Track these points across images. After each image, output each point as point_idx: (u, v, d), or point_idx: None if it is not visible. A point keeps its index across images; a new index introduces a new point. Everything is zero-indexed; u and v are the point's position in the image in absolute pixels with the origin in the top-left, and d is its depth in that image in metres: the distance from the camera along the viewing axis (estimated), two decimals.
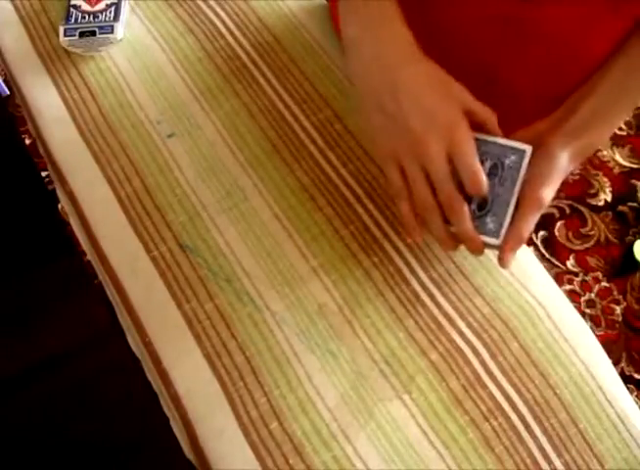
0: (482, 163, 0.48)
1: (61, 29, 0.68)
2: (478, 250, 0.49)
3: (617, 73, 0.52)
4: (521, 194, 0.49)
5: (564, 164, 0.50)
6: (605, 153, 1.66)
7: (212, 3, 0.73)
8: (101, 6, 0.70)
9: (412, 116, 0.47)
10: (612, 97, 0.53)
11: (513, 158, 0.50)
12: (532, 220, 0.49)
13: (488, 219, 0.49)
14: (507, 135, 0.52)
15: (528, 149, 0.50)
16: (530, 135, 0.51)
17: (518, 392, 0.53)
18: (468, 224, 0.48)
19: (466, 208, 0.48)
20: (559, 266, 1.50)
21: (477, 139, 0.49)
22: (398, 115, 0.47)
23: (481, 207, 0.49)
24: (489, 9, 0.51)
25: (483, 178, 0.46)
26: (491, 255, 0.58)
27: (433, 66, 0.49)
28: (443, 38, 0.56)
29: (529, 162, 0.50)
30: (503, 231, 0.49)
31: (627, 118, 1.71)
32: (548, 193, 0.49)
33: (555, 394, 0.53)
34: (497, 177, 0.50)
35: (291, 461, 0.50)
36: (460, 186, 0.47)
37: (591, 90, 0.53)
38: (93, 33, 0.67)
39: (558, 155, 0.50)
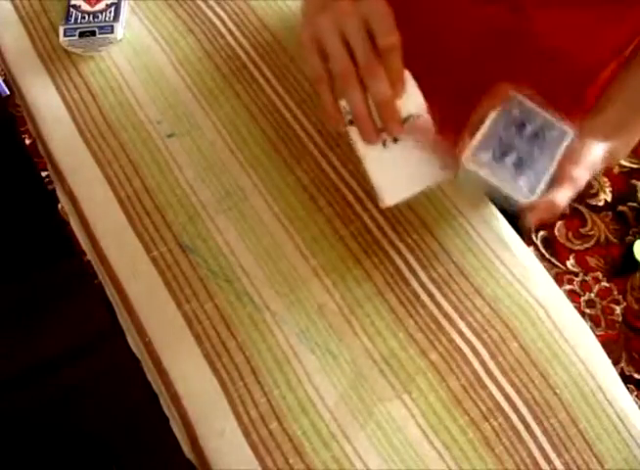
0: (525, 125, 0.49)
1: (61, 29, 0.68)
2: (393, 120, 0.45)
3: (632, 82, 0.52)
4: (557, 171, 0.49)
5: (598, 156, 0.51)
6: None
7: (212, 3, 0.73)
8: (101, 6, 0.70)
9: None
10: (630, 107, 0.53)
11: (555, 134, 0.50)
12: (567, 195, 0.49)
13: (522, 178, 0.49)
14: None
15: (571, 132, 0.50)
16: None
17: (518, 392, 0.53)
18: (385, 88, 0.44)
19: (382, 71, 0.44)
20: (559, 266, 1.50)
21: (525, 105, 0.50)
22: None
23: (519, 164, 0.49)
24: (481, 22, 0.51)
25: (401, 66, 0.44)
26: (491, 255, 0.58)
27: None
28: (435, 50, 0.56)
29: (569, 147, 0.50)
30: (536, 193, 0.48)
31: None
32: (583, 174, 0.50)
33: (555, 394, 0.53)
34: (536, 144, 0.50)
35: (290, 461, 0.50)
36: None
37: (611, 100, 0.53)
38: (93, 33, 0.67)
39: (594, 146, 0.50)
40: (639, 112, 0.54)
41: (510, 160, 0.49)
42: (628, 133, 0.54)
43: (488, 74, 0.55)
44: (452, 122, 0.61)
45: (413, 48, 0.54)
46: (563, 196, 0.49)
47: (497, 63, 0.54)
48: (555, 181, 0.49)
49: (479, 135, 0.49)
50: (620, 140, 0.53)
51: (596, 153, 0.51)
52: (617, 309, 1.45)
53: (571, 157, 0.50)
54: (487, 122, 0.49)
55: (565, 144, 0.50)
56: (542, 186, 0.49)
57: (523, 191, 0.48)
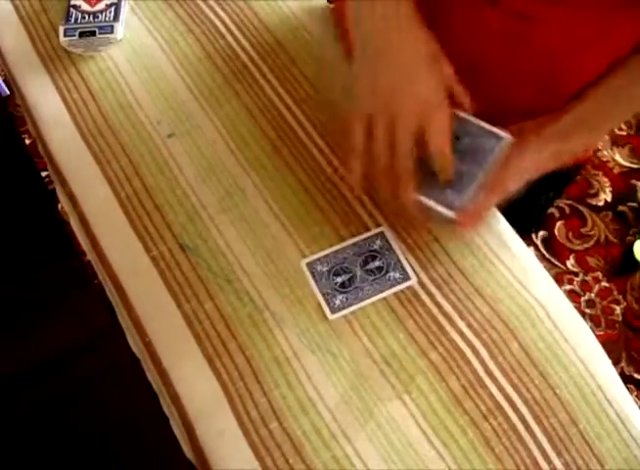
0: (459, 139, 0.50)
1: (61, 29, 0.68)
2: (414, 217, 0.52)
3: (611, 84, 0.52)
4: (490, 177, 0.51)
5: (535, 162, 0.52)
6: (605, 153, 1.66)
7: (212, 3, 0.73)
8: (101, 6, 0.70)
9: (402, 79, 0.47)
10: (600, 107, 0.53)
11: (491, 142, 0.51)
12: (492, 201, 0.52)
13: (449, 192, 0.50)
14: None
15: (507, 138, 0.51)
16: (515, 130, 0.52)
17: (518, 392, 0.53)
18: (410, 197, 0.50)
19: (412, 183, 0.49)
20: (559, 266, 1.50)
21: (459, 116, 0.51)
22: (389, 72, 0.48)
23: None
24: (488, 27, 0.51)
25: (451, 161, 0.49)
26: (491, 255, 0.58)
27: (431, 37, 0.48)
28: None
29: (505, 151, 0.52)
30: (460, 204, 0.50)
31: (621, 123, 1.71)
32: (512, 182, 0.51)
33: (555, 394, 0.53)
34: (469, 156, 0.51)
35: (290, 461, 0.50)
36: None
37: (582, 98, 0.53)
38: (93, 33, 0.67)
39: (532, 152, 0.52)
40: (606, 112, 0.54)
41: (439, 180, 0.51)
42: (589, 132, 0.55)
43: (493, 79, 0.55)
44: None
45: None
46: (487, 203, 0.52)
47: (502, 68, 0.54)
48: (485, 187, 0.51)
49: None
50: (581, 138, 0.54)
51: (533, 161, 0.52)
52: (617, 309, 1.45)
53: (504, 165, 0.51)
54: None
55: (500, 149, 0.51)
56: (466, 198, 0.50)
57: (448, 205, 0.50)
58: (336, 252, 0.57)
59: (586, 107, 0.53)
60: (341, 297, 0.55)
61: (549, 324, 0.56)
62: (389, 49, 0.48)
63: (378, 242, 0.58)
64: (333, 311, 0.55)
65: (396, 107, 0.47)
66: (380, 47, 0.48)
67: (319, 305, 0.56)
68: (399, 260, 0.57)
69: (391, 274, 0.56)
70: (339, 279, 0.56)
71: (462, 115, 0.51)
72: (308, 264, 0.57)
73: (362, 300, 0.55)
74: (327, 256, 0.57)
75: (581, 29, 0.47)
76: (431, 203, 0.51)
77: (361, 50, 0.50)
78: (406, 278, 0.56)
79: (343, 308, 0.55)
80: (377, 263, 0.57)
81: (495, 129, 0.51)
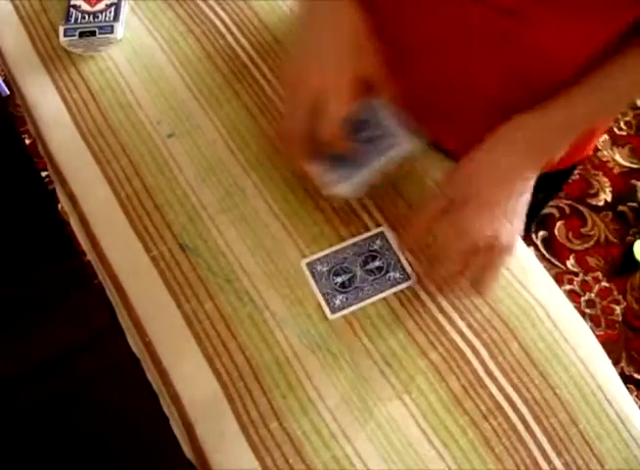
0: (369, 126, 0.53)
1: (61, 29, 0.68)
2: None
3: (588, 82, 0.51)
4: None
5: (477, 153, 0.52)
6: (605, 153, 1.66)
7: (212, 3, 0.73)
8: (101, 6, 0.70)
9: (313, 58, 0.51)
10: (566, 104, 0.51)
11: (393, 140, 0.54)
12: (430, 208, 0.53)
13: (340, 170, 0.52)
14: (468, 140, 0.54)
15: (407, 145, 0.53)
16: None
17: (518, 392, 0.53)
18: (296, 159, 0.54)
19: (297, 148, 0.53)
20: (559, 266, 1.50)
21: (374, 106, 0.53)
22: (307, 50, 0.52)
23: (338, 157, 0.52)
24: (473, 23, 0.50)
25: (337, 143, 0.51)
26: None
27: (359, 28, 0.51)
28: (425, 49, 0.56)
29: (406, 154, 0.54)
30: (342, 185, 0.52)
31: (618, 118, 1.71)
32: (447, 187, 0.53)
33: (555, 394, 0.53)
34: (371, 145, 0.54)
35: (290, 461, 0.50)
36: None
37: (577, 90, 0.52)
38: (93, 33, 0.67)
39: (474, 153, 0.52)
40: (593, 99, 0.52)
41: (333, 157, 0.52)
42: (570, 129, 0.53)
43: (473, 74, 0.55)
44: (441, 120, 0.61)
45: (403, 46, 0.54)
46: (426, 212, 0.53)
47: (487, 63, 0.54)
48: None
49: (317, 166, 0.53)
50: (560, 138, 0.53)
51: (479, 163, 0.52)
52: (617, 309, 1.45)
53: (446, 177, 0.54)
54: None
55: (393, 152, 0.54)
56: (350, 183, 0.52)
57: (333, 180, 0.52)
58: (336, 252, 0.57)
59: (570, 96, 0.51)
60: (341, 297, 0.55)
61: (549, 324, 0.56)
62: (312, 30, 0.52)
63: (378, 242, 0.58)
64: (333, 311, 0.55)
65: (302, 80, 0.51)
66: (306, 25, 0.53)
67: (319, 305, 0.56)
68: (399, 261, 0.57)
69: (391, 274, 0.56)
70: (339, 279, 0.56)
71: (376, 104, 0.53)
72: (308, 264, 0.57)
73: (362, 300, 0.55)
74: (327, 256, 0.57)
75: (566, 28, 0.47)
76: (317, 171, 0.54)
77: (298, 23, 0.56)
78: (406, 278, 0.57)
79: (343, 308, 0.55)
80: (377, 263, 0.57)
81: (402, 131, 0.54)
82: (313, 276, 0.57)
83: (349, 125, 0.52)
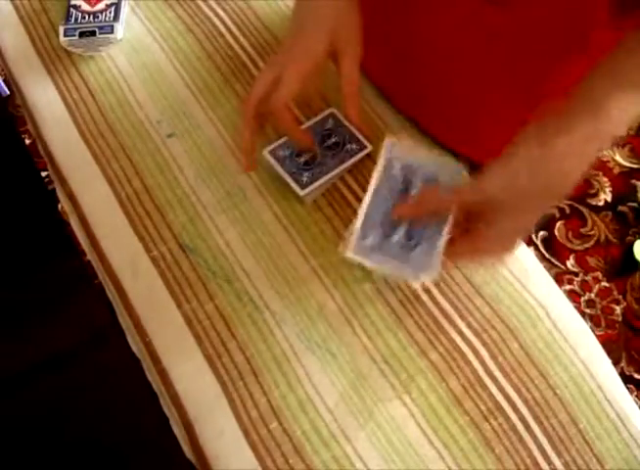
0: (407, 189, 0.49)
1: (61, 29, 0.68)
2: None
3: (594, 84, 0.44)
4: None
5: (520, 159, 0.43)
6: (605, 153, 1.66)
7: (212, 3, 0.73)
8: (101, 6, 0.70)
9: (284, 52, 0.52)
10: (582, 110, 0.43)
11: (358, 147, 0.56)
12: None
13: (418, 251, 0.47)
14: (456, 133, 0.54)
15: (462, 170, 0.49)
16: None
17: (518, 392, 0.53)
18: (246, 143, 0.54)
19: (248, 129, 0.53)
20: (559, 266, 1.50)
21: (405, 159, 0.50)
22: (287, 41, 0.53)
23: (410, 236, 0.48)
24: (462, 13, 0.50)
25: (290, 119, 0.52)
26: None
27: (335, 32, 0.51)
28: (417, 41, 0.56)
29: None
30: (436, 264, 0.46)
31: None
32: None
33: (555, 394, 0.53)
34: (334, 152, 0.55)
35: (290, 461, 0.50)
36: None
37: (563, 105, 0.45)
38: (93, 33, 0.67)
39: (511, 157, 0.44)
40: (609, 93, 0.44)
41: (397, 236, 0.48)
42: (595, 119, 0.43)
43: (469, 67, 0.55)
44: (432, 111, 0.61)
45: (396, 39, 0.54)
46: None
47: (477, 55, 0.53)
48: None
49: (358, 222, 0.48)
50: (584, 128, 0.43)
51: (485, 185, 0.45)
52: (617, 309, 1.45)
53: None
54: (366, 201, 0.48)
55: (355, 158, 0.54)
56: (311, 186, 0.52)
57: (415, 272, 0.47)
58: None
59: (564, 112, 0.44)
60: (307, 174, 0.58)
61: (549, 324, 0.56)
62: (297, 14, 0.53)
63: (330, 121, 0.60)
64: (302, 187, 0.58)
65: (273, 58, 0.53)
66: (294, 18, 0.53)
67: (290, 187, 0.57)
68: (353, 134, 0.59)
69: (348, 146, 0.59)
70: (301, 159, 0.58)
71: (339, 114, 0.55)
72: (271, 152, 0.59)
73: (326, 173, 0.58)
74: (286, 142, 0.59)
75: (554, 23, 0.46)
76: (278, 168, 0.56)
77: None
78: (363, 147, 0.59)
79: (311, 183, 0.58)
80: (333, 140, 0.59)
81: (363, 140, 0.54)
82: (277, 161, 0.58)
83: (314, 135, 0.58)
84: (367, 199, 0.49)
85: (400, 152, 0.50)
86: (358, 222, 0.48)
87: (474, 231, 0.46)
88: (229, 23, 0.72)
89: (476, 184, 0.44)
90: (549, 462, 0.51)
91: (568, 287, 1.47)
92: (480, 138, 0.59)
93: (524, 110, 0.50)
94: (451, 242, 0.48)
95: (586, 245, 1.54)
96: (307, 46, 0.50)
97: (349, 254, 0.47)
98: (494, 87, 0.55)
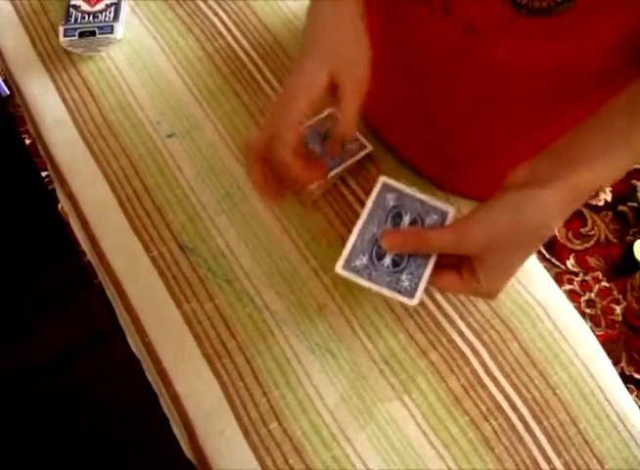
0: (401, 216, 0.48)
1: (61, 30, 0.68)
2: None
3: (612, 112, 0.43)
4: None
5: (503, 209, 0.43)
6: None
7: (212, 3, 0.73)
8: (101, 6, 0.70)
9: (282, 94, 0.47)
10: (597, 136, 0.43)
11: (435, 217, 0.48)
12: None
13: (404, 277, 0.47)
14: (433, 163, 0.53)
15: (451, 211, 0.48)
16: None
17: (517, 392, 0.53)
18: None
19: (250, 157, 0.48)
20: (559, 266, 1.50)
21: (400, 192, 0.49)
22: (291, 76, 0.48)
23: (396, 263, 0.47)
24: (440, 39, 0.49)
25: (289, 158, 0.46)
26: None
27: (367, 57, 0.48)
28: (406, 64, 0.56)
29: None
30: (419, 292, 0.46)
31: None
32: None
33: (555, 394, 0.53)
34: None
35: (290, 461, 0.50)
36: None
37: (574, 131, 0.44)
38: (93, 33, 0.67)
39: (493, 207, 0.43)
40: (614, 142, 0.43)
41: (387, 260, 0.47)
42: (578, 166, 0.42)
43: (439, 90, 0.55)
44: (417, 134, 0.61)
45: (378, 60, 0.53)
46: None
47: (455, 80, 0.53)
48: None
49: (351, 239, 0.47)
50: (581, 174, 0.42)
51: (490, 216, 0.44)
52: (617, 309, 1.45)
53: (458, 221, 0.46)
54: (359, 222, 0.47)
55: (354, 158, 0.53)
56: (422, 286, 0.46)
57: (406, 294, 0.46)
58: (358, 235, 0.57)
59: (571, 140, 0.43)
60: (404, 276, 0.54)
61: (549, 324, 0.56)
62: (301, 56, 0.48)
63: (330, 122, 0.59)
64: (410, 301, 0.54)
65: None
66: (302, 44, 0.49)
67: (318, 304, 0.56)
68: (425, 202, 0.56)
69: (348, 146, 0.59)
70: (386, 261, 0.55)
71: (402, 188, 0.49)
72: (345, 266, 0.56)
73: (425, 262, 0.52)
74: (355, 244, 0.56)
75: (530, 48, 0.45)
76: (384, 291, 0.48)
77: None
78: (363, 147, 0.60)
79: (416, 288, 0.54)
80: (406, 219, 0.56)
81: (437, 202, 0.49)
82: (361, 275, 0.56)
83: (314, 135, 0.56)
84: (360, 221, 0.48)
85: (394, 187, 0.49)
86: (350, 241, 0.48)
87: (464, 270, 0.45)
88: (229, 23, 0.72)
89: (458, 240, 0.43)
90: (549, 462, 0.51)
91: (568, 287, 1.47)
92: (489, 184, 0.59)
93: (523, 149, 0.49)
94: (439, 273, 0.46)
95: (586, 245, 1.54)
96: (304, 85, 0.46)
97: (338, 269, 0.47)
98: (502, 135, 0.55)
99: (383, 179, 0.49)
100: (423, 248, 0.46)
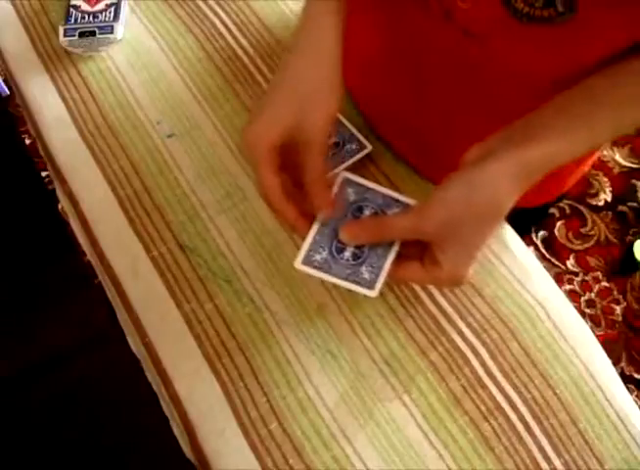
0: (362, 210, 0.48)
1: (61, 30, 0.68)
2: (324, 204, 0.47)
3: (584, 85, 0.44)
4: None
5: (454, 189, 0.43)
6: (605, 153, 1.66)
7: (212, 3, 0.73)
8: (101, 6, 0.70)
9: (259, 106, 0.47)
10: (558, 113, 0.43)
11: (396, 210, 0.48)
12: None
13: (364, 269, 0.46)
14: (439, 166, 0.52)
15: (412, 203, 0.48)
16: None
17: (517, 392, 0.53)
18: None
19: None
20: (559, 266, 1.51)
21: (361, 186, 0.49)
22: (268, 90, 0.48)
23: (356, 256, 0.47)
24: (440, 42, 0.49)
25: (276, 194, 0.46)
26: (491, 255, 0.58)
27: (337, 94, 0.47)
28: (411, 66, 0.56)
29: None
30: (379, 283, 0.46)
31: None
32: (416, 223, 0.44)
33: (555, 394, 0.53)
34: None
35: (290, 461, 0.50)
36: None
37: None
38: (93, 33, 0.67)
39: (448, 185, 0.43)
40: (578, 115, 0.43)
41: (347, 253, 0.47)
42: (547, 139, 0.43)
43: (438, 96, 0.55)
44: (430, 156, 0.61)
45: (379, 62, 0.53)
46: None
47: (448, 86, 0.53)
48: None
49: (310, 234, 0.47)
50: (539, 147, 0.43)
51: (450, 194, 0.44)
52: (617, 309, 1.46)
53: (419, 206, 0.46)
54: (318, 217, 0.47)
55: (355, 157, 0.52)
56: (382, 277, 0.46)
57: (366, 286, 0.46)
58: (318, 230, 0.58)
59: (546, 109, 0.44)
60: (363, 268, 0.55)
61: (549, 324, 0.56)
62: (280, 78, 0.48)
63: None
64: (370, 292, 0.54)
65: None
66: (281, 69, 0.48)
67: (318, 304, 0.56)
68: (353, 134, 0.59)
69: (348, 146, 0.59)
70: (346, 254, 0.55)
71: (362, 181, 0.49)
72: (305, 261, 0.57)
73: (385, 254, 0.53)
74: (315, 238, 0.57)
75: (529, 59, 0.45)
76: (344, 283, 0.48)
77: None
78: (363, 147, 0.59)
79: (376, 279, 0.54)
80: (333, 140, 0.58)
81: (398, 195, 0.49)
82: (321, 269, 0.57)
83: (345, 218, 0.51)
84: (320, 216, 0.47)
85: (355, 182, 0.49)
86: (310, 236, 0.47)
87: (426, 258, 0.45)
88: (229, 23, 0.72)
89: (417, 222, 0.43)
90: (549, 462, 0.51)
91: (568, 287, 1.48)
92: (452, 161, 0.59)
93: None
94: (400, 263, 0.46)
95: (586, 245, 1.54)
96: (272, 118, 0.45)
97: (297, 264, 0.47)
98: (490, 131, 0.55)
99: (344, 174, 0.49)
100: (382, 234, 0.46)
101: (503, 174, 0.42)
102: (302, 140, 0.45)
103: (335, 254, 0.47)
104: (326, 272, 0.47)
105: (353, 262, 0.47)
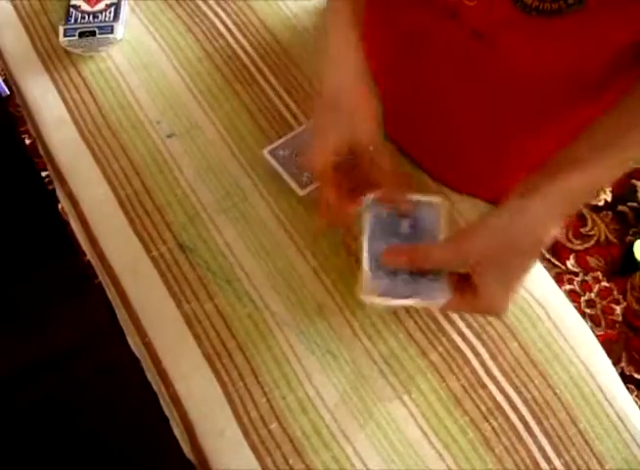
0: (399, 224, 0.49)
1: (60, 30, 0.68)
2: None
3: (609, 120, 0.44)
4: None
5: (497, 220, 0.44)
6: None
7: (212, 3, 0.73)
8: (101, 6, 0.70)
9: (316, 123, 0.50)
10: (593, 144, 0.44)
11: (428, 209, 0.50)
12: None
13: (428, 279, 0.46)
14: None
15: (438, 199, 0.49)
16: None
17: (517, 392, 0.53)
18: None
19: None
20: (559, 266, 1.50)
21: (387, 204, 0.49)
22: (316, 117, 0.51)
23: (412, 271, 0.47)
24: (447, 40, 0.50)
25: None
26: None
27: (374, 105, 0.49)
28: (415, 65, 0.56)
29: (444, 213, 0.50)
30: (445, 288, 0.46)
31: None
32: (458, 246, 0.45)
33: (555, 394, 0.53)
34: (415, 235, 0.49)
35: (290, 461, 0.50)
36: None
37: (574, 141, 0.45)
38: (93, 33, 0.67)
39: (492, 215, 0.45)
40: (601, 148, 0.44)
41: (402, 275, 0.47)
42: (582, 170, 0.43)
43: (446, 96, 0.55)
44: (441, 158, 0.61)
45: (395, 62, 0.53)
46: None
47: (455, 85, 0.53)
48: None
49: (364, 266, 0.48)
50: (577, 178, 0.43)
51: (495, 219, 0.45)
52: (617, 309, 1.45)
53: (461, 230, 0.48)
54: (365, 246, 0.48)
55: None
56: (446, 281, 0.46)
57: (432, 297, 0.46)
58: (293, 137, 0.60)
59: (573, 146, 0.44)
60: (307, 174, 0.58)
61: (549, 324, 0.56)
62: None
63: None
64: (302, 188, 0.58)
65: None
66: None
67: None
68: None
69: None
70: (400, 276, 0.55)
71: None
72: (271, 152, 0.60)
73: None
74: (286, 142, 0.60)
75: (538, 54, 0.45)
76: (278, 168, 0.56)
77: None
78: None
79: (311, 183, 0.58)
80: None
81: (428, 196, 0.50)
82: (277, 160, 0.59)
83: (388, 238, 0.50)
84: (365, 244, 0.48)
85: (382, 200, 0.49)
86: (365, 266, 0.48)
87: (466, 288, 0.45)
88: (229, 23, 0.72)
89: (456, 248, 0.45)
90: (549, 462, 0.51)
91: (568, 287, 1.47)
92: (493, 180, 0.59)
93: (534, 150, 0.52)
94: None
95: (586, 245, 1.54)
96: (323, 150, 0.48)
97: (362, 296, 0.47)
98: (512, 136, 0.55)
99: (370, 197, 0.49)
100: (423, 263, 0.46)
101: (541, 209, 0.43)
102: (360, 150, 0.48)
103: (392, 276, 0.47)
104: (393, 297, 0.47)
105: (412, 277, 0.47)
